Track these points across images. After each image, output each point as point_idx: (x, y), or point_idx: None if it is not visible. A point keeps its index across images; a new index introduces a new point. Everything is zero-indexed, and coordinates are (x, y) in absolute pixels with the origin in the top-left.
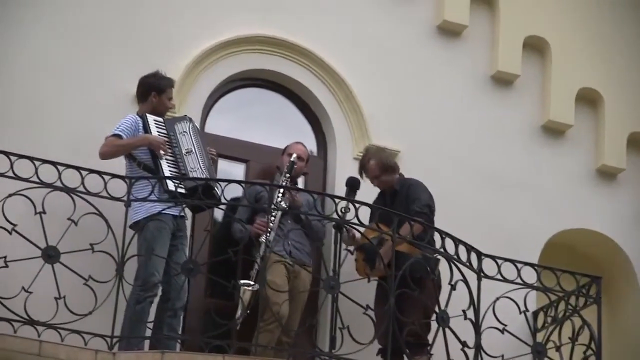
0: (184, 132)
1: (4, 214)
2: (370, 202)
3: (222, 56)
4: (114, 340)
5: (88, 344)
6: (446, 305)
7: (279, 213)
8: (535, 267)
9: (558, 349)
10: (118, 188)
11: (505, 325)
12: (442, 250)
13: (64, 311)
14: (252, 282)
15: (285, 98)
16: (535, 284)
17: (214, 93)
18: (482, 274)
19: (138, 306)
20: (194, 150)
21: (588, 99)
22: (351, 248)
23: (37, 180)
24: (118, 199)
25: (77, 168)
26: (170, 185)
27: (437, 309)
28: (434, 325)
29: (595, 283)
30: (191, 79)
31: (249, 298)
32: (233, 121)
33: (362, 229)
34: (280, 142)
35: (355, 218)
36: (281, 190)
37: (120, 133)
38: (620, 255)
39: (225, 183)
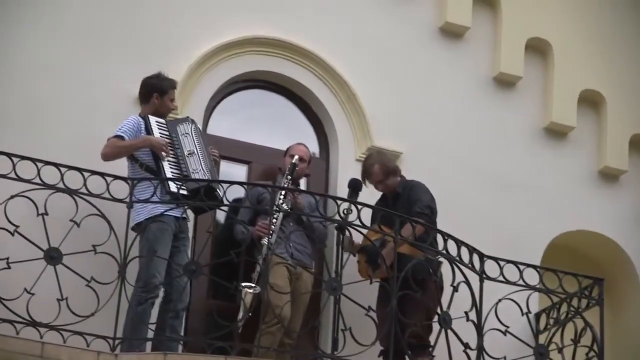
0: (186, 133)
1: (6, 215)
2: (373, 203)
3: (225, 58)
4: (116, 341)
5: (90, 346)
6: (448, 307)
7: (281, 215)
8: (538, 269)
9: (560, 350)
10: (120, 189)
11: (508, 327)
12: (444, 251)
13: (66, 313)
14: (253, 285)
15: (287, 100)
16: (538, 286)
17: (217, 94)
18: (484, 276)
19: (139, 307)
20: (196, 152)
21: (590, 101)
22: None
23: (40, 182)
24: (120, 201)
25: (80, 169)
26: (172, 187)
27: (439, 311)
28: (436, 326)
29: (597, 285)
30: (193, 81)
31: (251, 300)
32: (235, 123)
33: (364, 231)
34: (282, 143)
35: (358, 219)
36: (283, 191)
37: (122, 134)
38: (622, 257)
39: (228, 184)
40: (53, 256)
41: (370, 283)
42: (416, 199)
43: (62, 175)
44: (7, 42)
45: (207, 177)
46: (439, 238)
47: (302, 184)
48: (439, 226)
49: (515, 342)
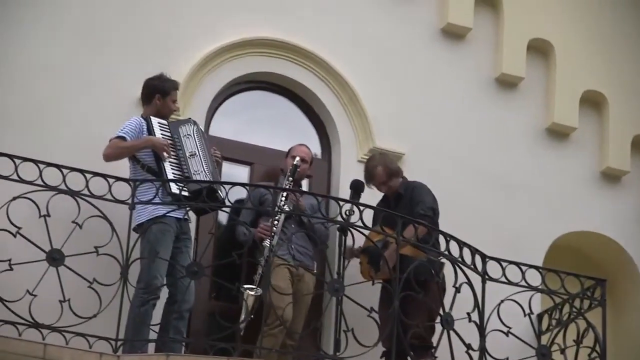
0: (188, 134)
1: (8, 217)
2: (374, 204)
3: (227, 59)
4: (119, 343)
5: (92, 347)
6: (451, 308)
7: (282, 217)
8: (540, 270)
9: (563, 351)
10: (122, 191)
11: (510, 328)
12: (446, 252)
13: (69, 314)
14: (255, 287)
15: (289, 101)
16: (540, 287)
17: (218, 96)
18: (486, 277)
19: (141, 309)
20: (197, 153)
21: (592, 102)
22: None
23: (42, 183)
24: (122, 202)
25: (82, 171)
26: (174, 188)
27: (441, 312)
28: (438, 327)
29: (599, 285)
30: (195, 82)
31: (253, 302)
32: (237, 124)
33: (366, 232)
34: (284, 144)
35: (360, 221)
36: (284, 193)
37: (124, 135)
38: (624, 258)
39: (230, 186)
40: (55, 258)
41: (373, 284)
42: (419, 201)
43: (64, 176)
44: (7, 42)
45: (208, 179)
46: (441, 239)
47: (304, 185)
48: (441, 227)
49: (517, 343)
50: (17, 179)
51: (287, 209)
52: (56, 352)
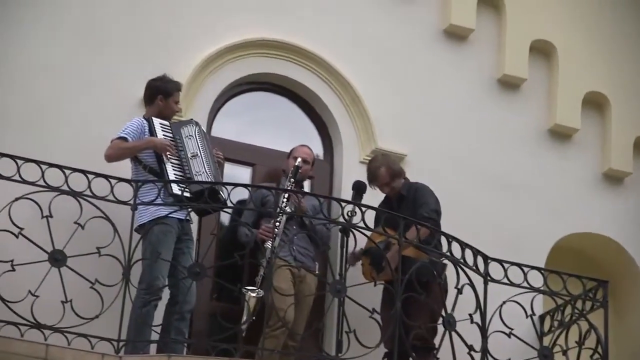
0: (190, 135)
1: (10, 217)
2: (376, 206)
3: (229, 60)
4: (121, 343)
5: (94, 348)
6: (452, 309)
7: (284, 218)
8: (542, 271)
9: (565, 353)
10: (124, 191)
11: (512, 329)
12: (448, 254)
13: (71, 315)
14: (256, 288)
15: (291, 102)
16: (542, 288)
17: (221, 97)
18: (488, 278)
19: (143, 310)
20: (199, 154)
21: (595, 103)
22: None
23: (44, 184)
24: (124, 203)
25: (84, 172)
26: (175, 189)
27: (443, 313)
28: (440, 329)
29: (601, 287)
30: (197, 83)
31: (254, 304)
32: (239, 125)
33: (368, 233)
34: (286, 145)
35: (362, 222)
36: (286, 194)
37: (125, 136)
38: (626, 259)
39: (232, 187)
40: (57, 258)
41: (375, 285)
42: (422, 203)
43: (66, 177)
44: (7, 42)
45: (210, 180)
46: (443, 240)
47: (307, 186)
48: (443, 228)
49: (519, 344)
50: (20, 179)
51: (288, 210)
52: (58, 353)
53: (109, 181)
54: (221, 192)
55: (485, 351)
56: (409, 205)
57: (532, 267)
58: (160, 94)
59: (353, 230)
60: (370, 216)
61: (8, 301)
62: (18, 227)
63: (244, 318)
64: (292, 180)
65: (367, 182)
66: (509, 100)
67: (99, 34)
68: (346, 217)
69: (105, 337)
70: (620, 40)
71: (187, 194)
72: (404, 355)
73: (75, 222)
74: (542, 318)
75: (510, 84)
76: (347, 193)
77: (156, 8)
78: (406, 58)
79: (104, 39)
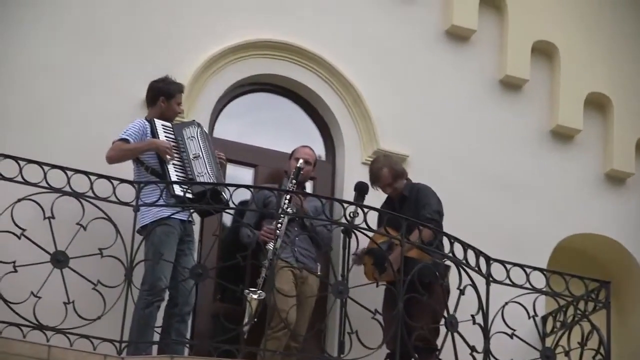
0: (192, 137)
1: (13, 219)
2: (379, 206)
3: (231, 61)
4: (123, 345)
5: (97, 349)
6: (455, 310)
7: (286, 219)
8: (544, 272)
9: (567, 353)
10: (127, 193)
11: (514, 330)
12: (450, 255)
13: (73, 316)
14: (258, 290)
15: (293, 103)
16: (544, 289)
17: (223, 98)
18: (490, 279)
19: (145, 311)
20: (201, 155)
21: (597, 104)
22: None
23: (46, 185)
24: (127, 204)
25: (86, 173)
26: (177, 190)
27: (445, 314)
28: (442, 330)
29: (604, 288)
30: (200, 84)
31: (256, 306)
32: (241, 126)
33: (370, 234)
34: (288, 146)
35: (364, 223)
36: (288, 196)
37: (127, 137)
38: (629, 260)
39: (234, 188)
40: (59, 259)
41: (377, 286)
42: (425, 204)
43: (68, 178)
44: (7, 42)
45: (212, 180)
46: (445, 241)
47: (308, 187)
48: (445, 229)
49: (521, 345)
50: (22, 180)
51: (290, 211)
52: (60, 354)
53: (111, 182)
54: (223, 193)
55: (487, 352)
56: (411, 206)
57: (535, 268)
58: (163, 96)
59: (355, 231)
60: (372, 217)
61: (10, 302)
62: (20, 228)
63: (246, 319)
64: (294, 181)
65: (369, 183)
66: (510, 101)
67: (100, 35)
68: (348, 218)
69: (108, 339)
70: (622, 40)
71: (189, 195)
72: (406, 356)
73: (78, 223)
74: (544, 319)
75: (512, 84)
76: (349, 194)
77: (157, 9)
78: (408, 59)
79: (106, 39)
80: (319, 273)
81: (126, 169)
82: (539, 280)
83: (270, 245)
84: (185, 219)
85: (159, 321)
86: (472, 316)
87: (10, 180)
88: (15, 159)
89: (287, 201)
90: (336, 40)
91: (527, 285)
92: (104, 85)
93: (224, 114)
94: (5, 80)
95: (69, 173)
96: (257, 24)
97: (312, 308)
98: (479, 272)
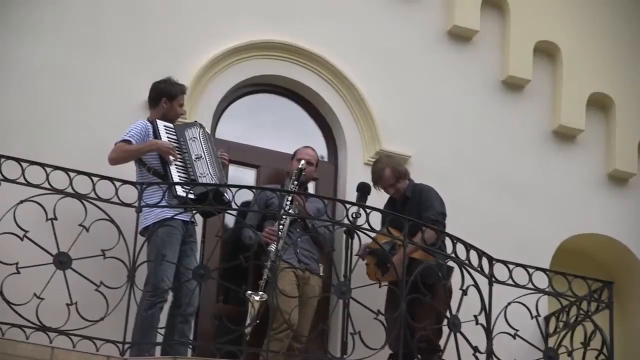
0: (194, 138)
1: (15, 220)
2: (381, 207)
3: (232, 62)
4: (126, 346)
5: (100, 350)
6: (457, 311)
7: (288, 221)
8: (547, 272)
9: (570, 354)
10: (129, 194)
11: (517, 331)
12: (453, 255)
13: (76, 317)
14: (260, 292)
15: (295, 104)
16: (547, 289)
17: (225, 99)
18: (493, 279)
19: (148, 312)
20: (203, 156)
21: (599, 104)
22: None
23: (49, 187)
24: (129, 205)
25: (89, 174)
26: (180, 191)
27: (448, 314)
28: (445, 330)
29: (607, 288)
30: (202, 85)
31: (258, 308)
32: (244, 127)
33: (372, 234)
34: (290, 147)
35: (366, 223)
36: (289, 197)
37: (129, 138)
38: (632, 260)
39: (236, 189)
40: (62, 261)
41: (380, 287)
42: (428, 206)
43: (70, 180)
44: (9, 43)
45: (214, 181)
46: (448, 242)
47: (311, 187)
48: (448, 229)
49: (524, 345)
50: (24, 182)
51: (292, 212)
52: (63, 355)
53: (114, 184)
54: (225, 194)
55: (490, 352)
56: (413, 207)
57: (537, 268)
58: (165, 97)
59: (358, 231)
60: (374, 218)
61: (13, 304)
62: (23, 229)
63: (248, 321)
64: (296, 182)
65: (371, 184)
66: (513, 102)
67: (102, 36)
68: (350, 218)
69: (111, 340)
70: (625, 41)
71: (191, 196)
72: (409, 356)
73: (80, 225)
74: (547, 319)
75: (515, 85)
76: (351, 195)
77: (160, 10)
78: (410, 59)
79: (108, 41)
80: (321, 274)
81: (128, 170)
82: (541, 281)
83: (273, 247)
84: (188, 220)
85: (162, 322)
86: (475, 317)
87: (13, 181)
88: (18, 160)
89: (289, 202)
90: (338, 41)
91: (530, 285)
92: (107, 87)
93: (226, 115)
94: (8, 82)
95: (72, 174)
96: (260, 25)
97: (315, 309)
98: (482, 272)
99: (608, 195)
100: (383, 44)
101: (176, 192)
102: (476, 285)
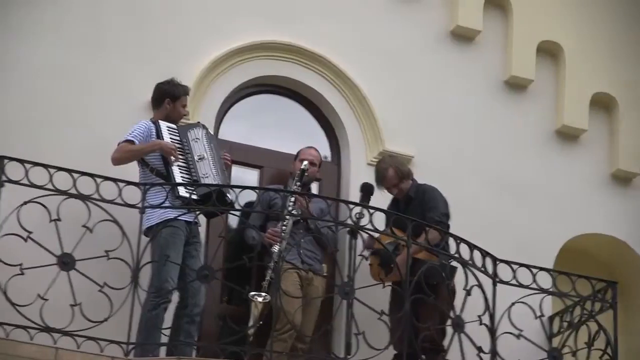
0: (197, 138)
1: (19, 221)
2: (384, 207)
3: (236, 62)
4: (130, 346)
5: (104, 351)
6: (461, 311)
7: (291, 221)
8: (551, 272)
9: (574, 354)
10: (132, 195)
11: (521, 331)
12: (457, 255)
13: (80, 318)
14: (263, 293)
15: (298, 104)
16: (551, 289)
17: (228, 100)
18: (497, 280)
19: (152, 312)
20: (206, 157)
21: (602, 104)
22: (366, 253)
23: (52, 188)
24: (133, 206)
25: (92, 175)
26: (183, 192)
27: (452, 315)
28: (449, 330)
29: (610, 288)
30: (205, 86)
31: (262, 309)
32: (247, 128)
33: (376, 235)
34: (293, 148)
35: (370, 224)
36: (292, 198)
37: (132, 139)
38: (635, 260)
39: (240, 189)
40: (66, 262)
41: (383, 287)
42: (432, 207)
43: (74, 181)
44: (10, 44)
45: (217, 182)
46: (452, 242)
47: (314, 188)
48: (451, 229)
49: (528, 345)
50: (28, 183)
51: (295, 213)
52: (68, 356)
53: (117, 184)
54: (228, 194)
55: (494, 352)
56: (417, 207)
57: (541, 269)
58: (168, 97)
59: (361, 232)
60: (378, 218)
61: (17, 305)
62: (27, 230)
63: (251, 322)
64: (299, 183)
65: (374, 184)
66: (516, 102)
67: (105, 37)
68: (354, 219)
69: (115, 340)
70: (628, 40)
71: (194, 197)
72: (413, 357)
73: (84, 226)
74: (551, 319)
75: (518, 85)
76: (354, 195)
77: (162, 10)
78: (413, 60)
79: (111, 42)
80: (324, 274)
81: (132, 171)
82: (545, 281)
83: (276, 248)
84: (191, 220)
85: (167, 322)
86: (479, 317)
87: (17, 183)
88: (21, 161)
89: (292, 203)
90: (341, 41)
91: (534, 285)
92: (109, 88)
93: (229, 116)
94: (10, 83)
95: (75, 175)
96: (262, 26)
97: (318, 309)
98: (486, 272)
99: (611, 195)
100: (386, 44)
101: (178, 192)
102: (480, 286)
